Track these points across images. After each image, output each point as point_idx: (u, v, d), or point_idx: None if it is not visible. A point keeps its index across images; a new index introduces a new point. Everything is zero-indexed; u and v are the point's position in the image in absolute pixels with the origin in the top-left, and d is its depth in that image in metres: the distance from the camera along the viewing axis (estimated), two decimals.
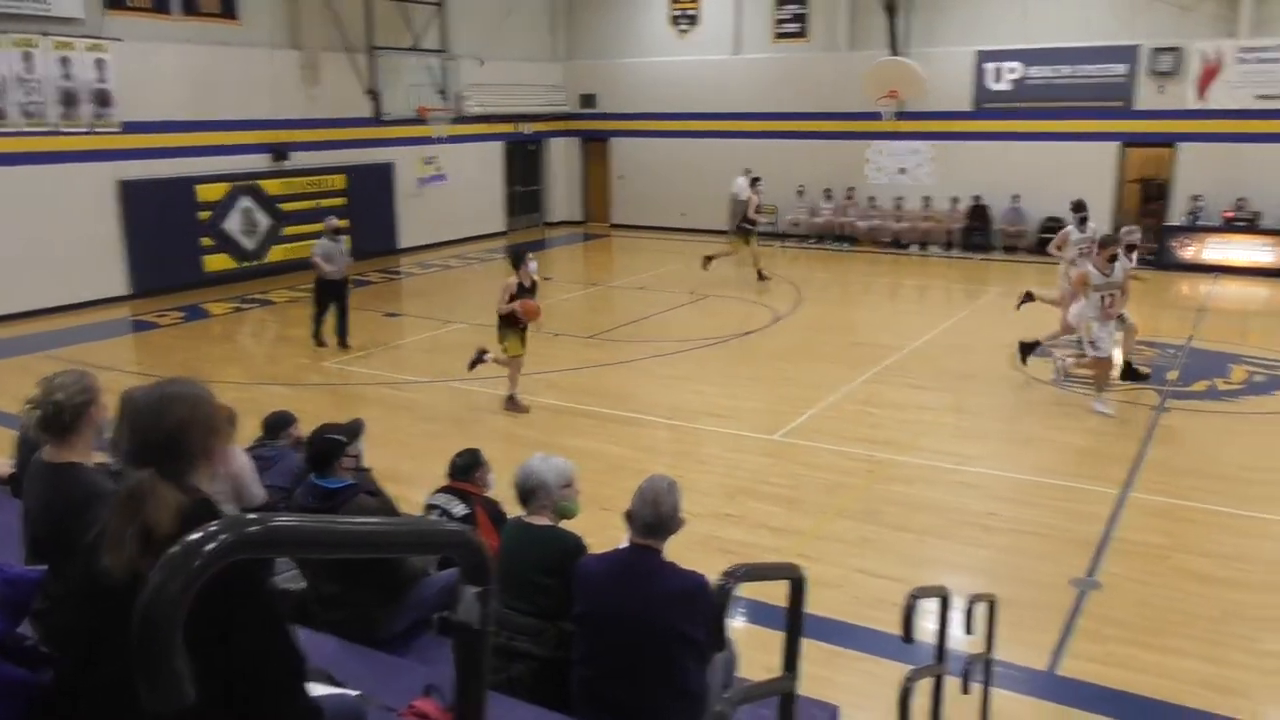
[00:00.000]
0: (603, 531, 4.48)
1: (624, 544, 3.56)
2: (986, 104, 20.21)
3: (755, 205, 16.89)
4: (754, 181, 17.26)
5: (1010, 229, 20.14)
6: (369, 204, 19.35)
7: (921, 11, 20.57)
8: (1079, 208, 12.47)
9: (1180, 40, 18.30)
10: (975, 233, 20.43)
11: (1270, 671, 5.40)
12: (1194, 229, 18.39)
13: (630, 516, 3.50)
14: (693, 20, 23.20)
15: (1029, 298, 12.20)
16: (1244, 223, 18.02)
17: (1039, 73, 19.63)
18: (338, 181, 18.72)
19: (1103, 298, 9.52)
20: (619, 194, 24.97)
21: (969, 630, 4.51)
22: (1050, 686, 5.28)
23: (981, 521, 7.35)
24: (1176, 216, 18.82)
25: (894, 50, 20.33)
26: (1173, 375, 11.16)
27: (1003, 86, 20.00)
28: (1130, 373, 10.60)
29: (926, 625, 4.04)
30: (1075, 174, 19.03)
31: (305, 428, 5.35)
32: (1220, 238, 18.10)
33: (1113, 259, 9.58)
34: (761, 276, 16.85)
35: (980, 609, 4.62)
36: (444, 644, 3.93)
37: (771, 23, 22.35)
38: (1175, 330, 13.43)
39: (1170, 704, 5.08)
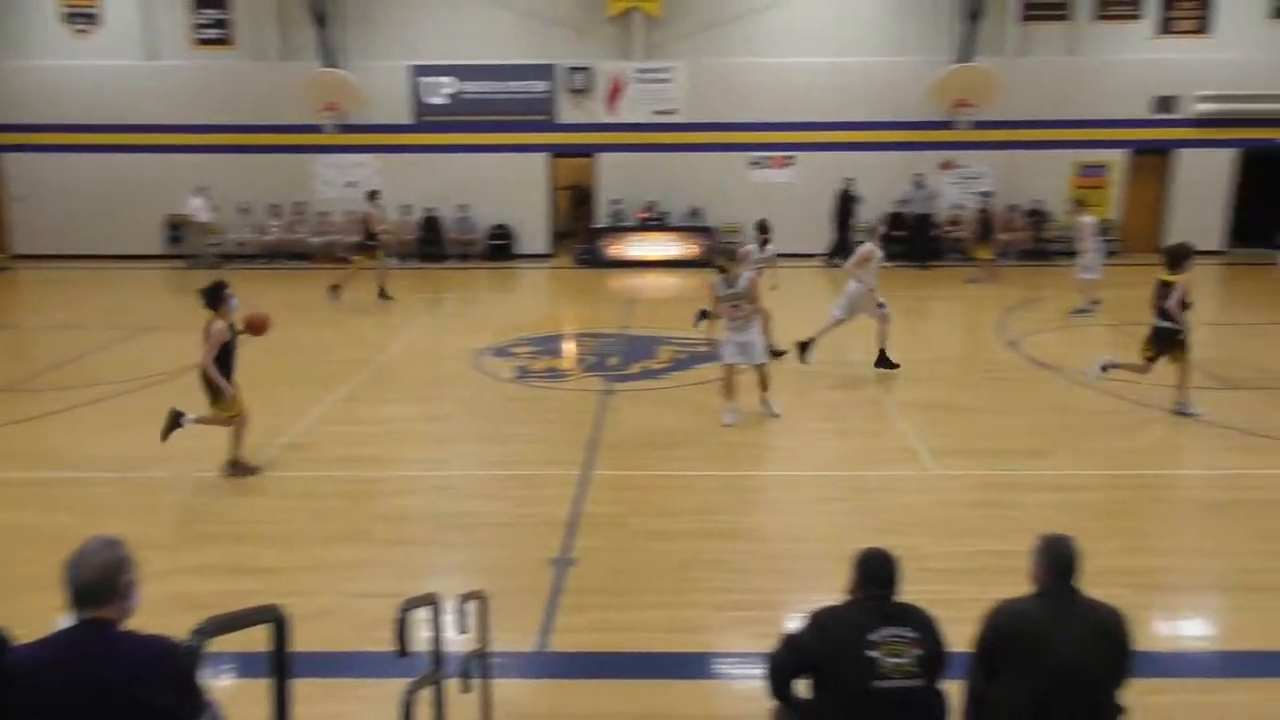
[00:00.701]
0: (51, 616, 3.82)
1: (66, 622, 3.06)
2: (426, 117, 20.84)
3: (377, 221, 16.24)
4: (372, 195, 16.55)
5: (462, 238, 21.04)
6: None
7: (354, 25, 20.58)
8: (763, 229, 12.77)
9: (589, 61, 20.46)
10: (429, 243, 21.02)
11: (720, 606, 6.24)
12: (617, 229, 20.72)
13: (70, 588, 3.02)
14: (91, 19, 20.76)
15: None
16: (656, 222, 20.72)
17: (473, 88, 20.70)
18: None
19: (732, 307, 9.60)
20: (20, 219, 21.61)
21: (463, 630, 4.60)
22: (542, 665, 5.60)
23: (461, 522, 7.56)
24: (602, 219, 21.06)
25: (328, 62, 20.11)
26: (613, 361, 12.45)
27: (439, 100, 20.77)
28: (883, 361, 11.50)
29: (422, 635, 4.04)
30: (514, 183, 20.56)
31: None
32: (638, 236, 20.61)
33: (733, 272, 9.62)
34: (384, 295, 16.31)
35: (471, 607, 4.73)
36: None
37: (188, 27, 20.82)
38: (612, 320, 15.02)
39: (644, 653, 5.66)
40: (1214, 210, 20.61)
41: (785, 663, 4.02)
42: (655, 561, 6.83)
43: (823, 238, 20.40)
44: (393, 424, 10.00)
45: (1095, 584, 4.45)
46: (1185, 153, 20.40)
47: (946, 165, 20.52)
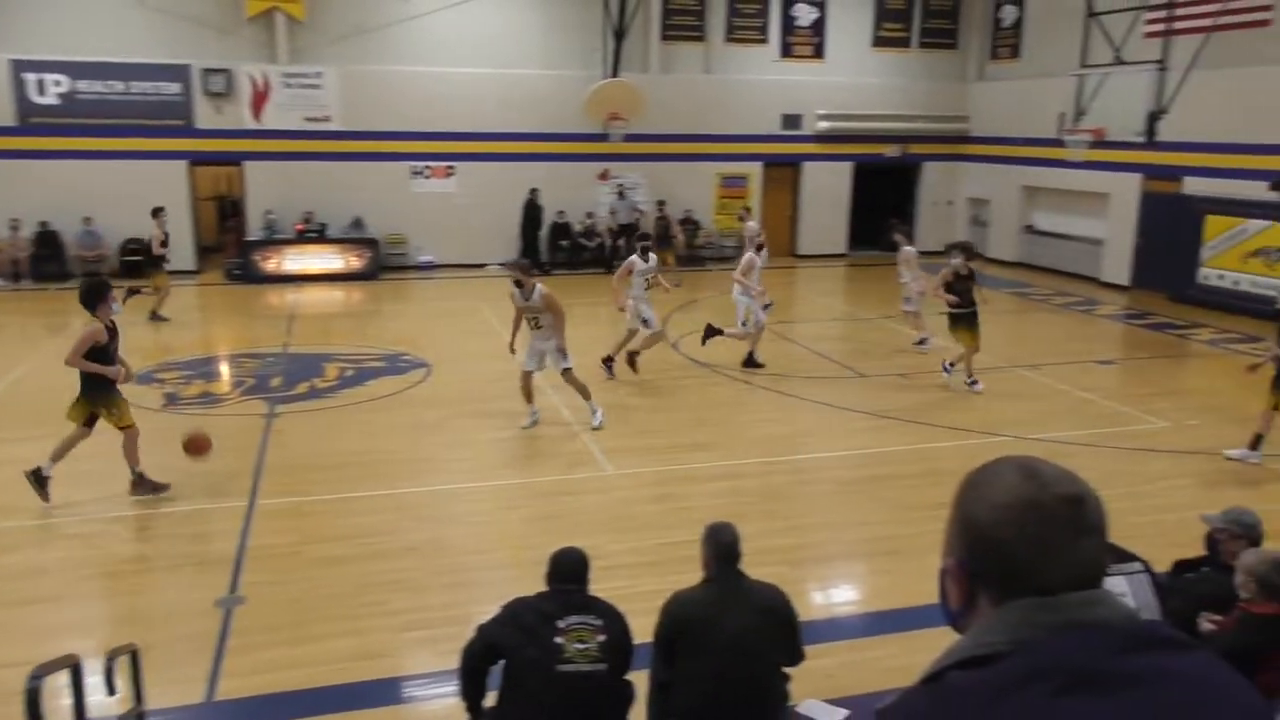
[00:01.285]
0: None
1: None
2: (32, 119, 18.48)
3: (161, 239, 15.05)
4: (156, 212, 15.15)
5: (88, 254, 18.84)
6: None
7: None
8: (644, 238, 12.33)
9: (228, 63, 19.11)
10: (46, 260, 18.66)
11: (401, 627, 6.04)
12: (272, 242, 19.52)
13: None
14: None
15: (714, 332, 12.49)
16: (314, 234, 19.74)
17: (90, 87, 18.62)
18: None
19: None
20: None
21: (112, 691, 4.09)
22: (213, 716, 5.13)
23: (108, 570, 6.78)
24: (255, 232, 19.75)
25: None
26: (276, 382, 11.71)
27: (50, 100, 18.50)
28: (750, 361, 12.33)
29: (62, 704, 3.54)
30: (148, 193, 18.56)
31: None
32: (296, 249, 19.54)
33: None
34: (157, 316, 15.10)
35: (122, 663, 4.22)
36: None
37: None
38: (271, 339, 14.13)
39: (326, 687, 5.35)
40: (838, 217, 23.02)
41: (477, 650, 4.12)
42: (331, 589, 6.49)
43: (490, 247, 20.50)
44: (13, 466, 8.74)
45: (757, 563, 4.78)
46: (810, 166, 22.62)
47: (604, 176, 21.33)
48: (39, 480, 7.74)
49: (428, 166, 20.46)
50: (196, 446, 7.89)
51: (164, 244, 15.17)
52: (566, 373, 9.96)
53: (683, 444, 9.61)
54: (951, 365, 11.68)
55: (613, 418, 10.40)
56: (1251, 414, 10.02)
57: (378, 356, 13.02)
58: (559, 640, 4.02)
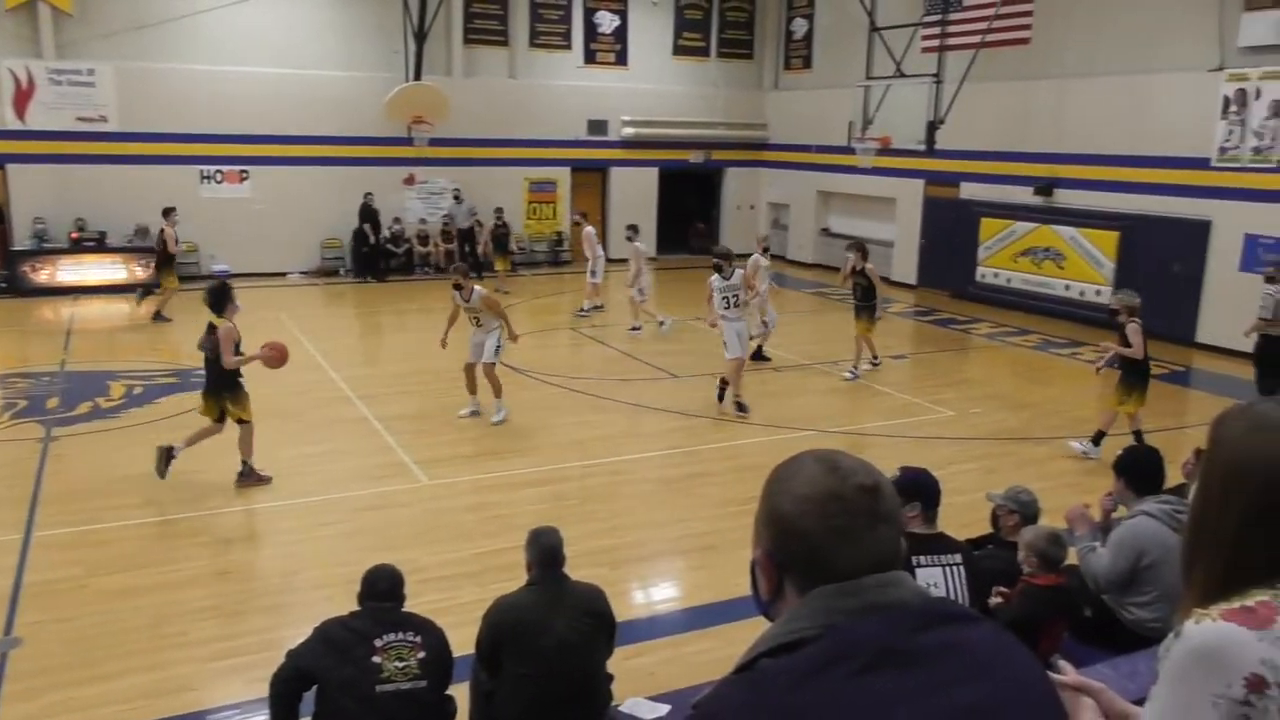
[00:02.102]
0: None
1: None
2: None
3: (174, 239, 15.59)
4: (167, 212, 15.45)
5: None
6: None
7: None
8: (717, 255, 11.29)
9: None
10: None
11: (207, 658, 5.70)
12: (43, 252, 18.00)
13: None
14: None
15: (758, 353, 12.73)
16: (92, 243, 18.32)
17: None
18: None
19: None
20: None
21: None
22: None
23: None
24: (22, 240, 18.15)
25: None
26: (53, 403, 10.82)
27: None
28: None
29: None
30: None
31: None
32: (71, 259, 18.08)
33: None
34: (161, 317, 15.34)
35: None
36: None
37: None
38: (46, 357, 13.04)
39: None
40: (646, 221, 23.37)
41: (288, 675, 3.97)
42: (125, 623, 6.05)
43: (292, 255, 19.67)
44: None
45: (579, 566, 4.81)
46: (617, 171, 22.92)
47: (409, 180, 20.88)
48: (167, 457, 8.25)
49: (219, 170, 19.41)
50: (279, 356, 8.67)
51: (176, 243, 15.73)
52: (489, 367, 10.32)
53: (499, 450, 9.53)
54: (855, 369, 12.71)
55: (426, 427, 10.21)
56: (1026, 401, 10.90)
57: (169, 372, 12.25)
58: (376, 660, 3.91)
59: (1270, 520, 1.49)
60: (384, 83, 19.64)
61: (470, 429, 10.19)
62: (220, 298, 8.24)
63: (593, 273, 16.22)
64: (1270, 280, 11.18)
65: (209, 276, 19.19)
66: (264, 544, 7.38)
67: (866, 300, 12.52)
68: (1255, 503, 1.50)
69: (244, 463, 8.50)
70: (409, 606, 4.25)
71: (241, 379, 8.44)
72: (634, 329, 14.90)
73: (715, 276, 10.86)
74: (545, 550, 4.39)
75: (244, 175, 19.56)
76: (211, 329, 8.18)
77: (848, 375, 12.62)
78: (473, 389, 10.49)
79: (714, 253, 11.28)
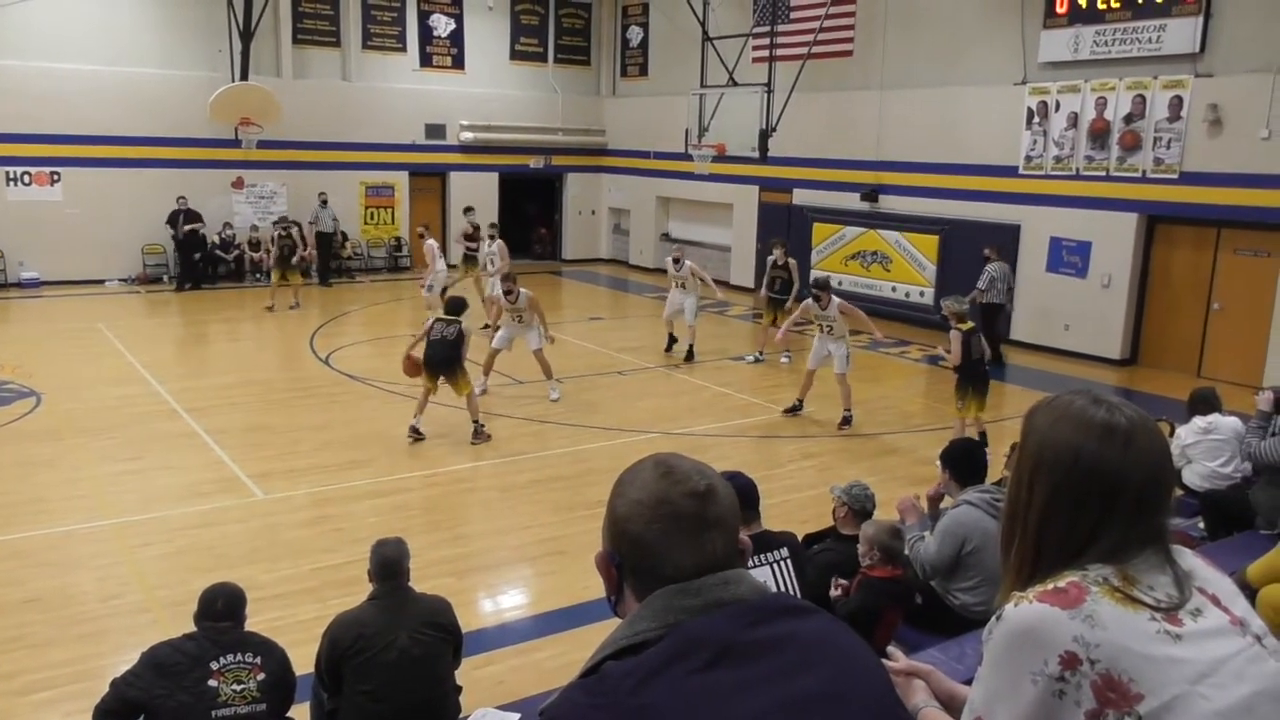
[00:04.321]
0: None
1: None
2: None
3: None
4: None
5: None
6: None
7: None
8: (814, 285, 11.02)
9: None
10: None
11: (19, 691, 5.30)
12: None
13: None
14: None
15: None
16: None
17: None
18: None
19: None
20: None
21: None
22: None
23: None
24: None
25: None
26: None
27: None
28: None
29: None
30: None
31: None
32: None
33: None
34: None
35: None
36: None
37: None
38: None
39: None
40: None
41: (111, 706, 3.75)
42: None
43: (110, 261, 18.53)
44: None
45: (424, 577, 4.72)
46: (456, 175, 22.59)
47: (238, 184, 19.99)
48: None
49: (26, 172, 18.07)
50: (411, 368, 9.81)
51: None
52: (539, 352, 11.39)
53: (337, 462, 9.23)
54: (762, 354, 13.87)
55: (260, 439, 9.79)
56: (858, 399, 11.34)
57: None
58: (213, 684, 3.74)
59: (1072, 504, 1.59)
60: (208, 82, 18.74)
61: (304, 441, 9.83)
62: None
63: (429, 287, 15.54)
64: (988, 260, 14.09)
65: (17, 285, 17.91)
66: (81, 568, 6.90)
67: (784, 293, 13.65)
68: (1057, 488, 1.60)
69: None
70: (247, 625, 4.08)
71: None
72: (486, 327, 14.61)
73: (812, 304, 10.80)
74: (385, 562, 4.30)
75: (55, 177, 18.28)
76: None
77: (749, 359, 13.87)
78: (487, 371, 11.65)
79: (816, 283, 11.21)
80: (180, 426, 10.17)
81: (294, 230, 17.33)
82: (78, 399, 10.96)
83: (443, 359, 9.64)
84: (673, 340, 14.19)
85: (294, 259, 17.11)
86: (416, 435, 9.81)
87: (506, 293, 11.54)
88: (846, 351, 10.85)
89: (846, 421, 10.82)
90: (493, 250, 15.10)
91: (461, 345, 9.73)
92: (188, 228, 18.63)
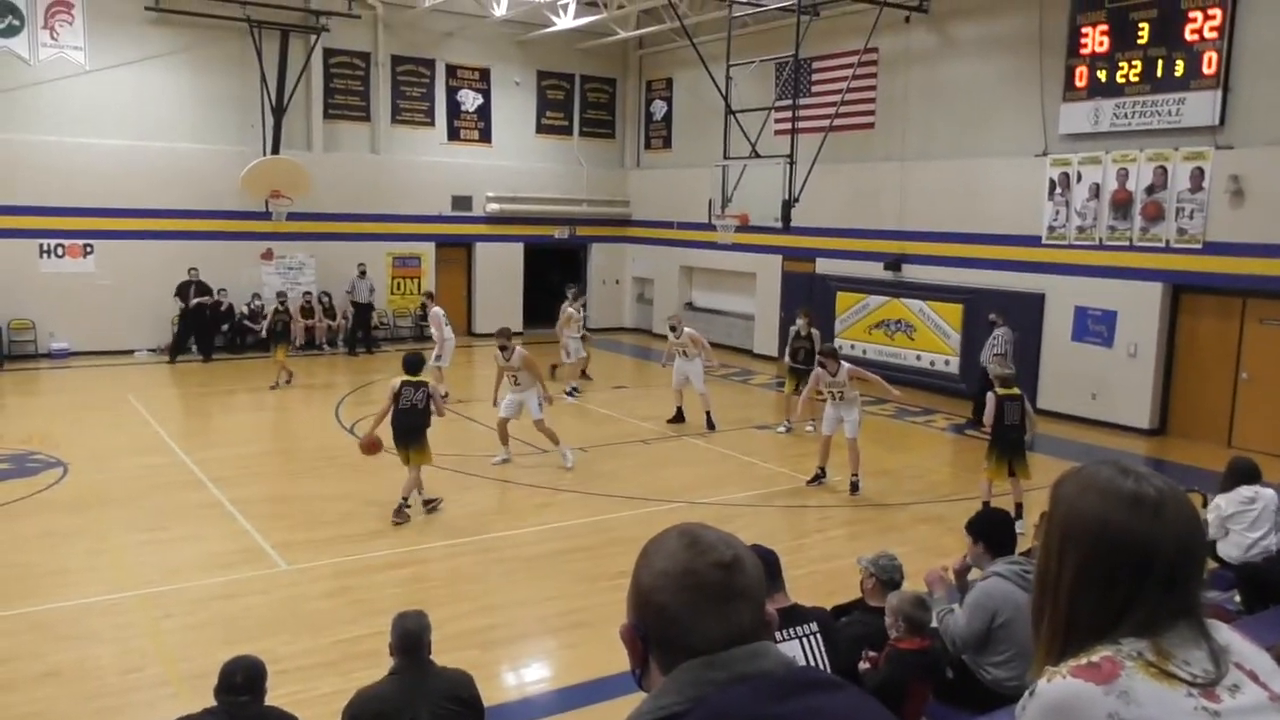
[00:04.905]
0: None
1: None
2: None
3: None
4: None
5: None
6: None
7: None
8: (822, 353, 11.23)
9: None
10: None
11: None
12: None
13: None
14: None
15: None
16: None
17: None
18: None
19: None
20: None
21: None
22: None
23: None
24: None
25: None
26: None
27: None
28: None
29: None
30: None
31: None
32: None
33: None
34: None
35: None
36: None
37: None
38: None
39: None
40: (513, 296, 23.38)
41: None
42: None
43: (139, 332, 18.81)
44: None
45: (448, 649, 4.67)
46: (482, 246, 22.89)
47: (267, 255, 20.33)
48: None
49: (60, 244, 18.47)
50: (371, 447, 9.57)
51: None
52: (539, 422, 11.36)
53: (359, 532, 9.20)
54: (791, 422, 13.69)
55: (284, 510, 9.80)
56: (885, 468, 11.24)
57: (0, 458, 11.44)
58: None
59: (1102, 576, 1.56)
60: (240, 156, 19.21)
61: (327, 511, 9.82)
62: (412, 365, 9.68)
63: (438, 356, 15.35)
64: (994, 325, 14.17)
65: (47, 355, 18.17)
66: (102, 640, 6.87)
67: (807, 364, 13.09)
68: (1086, 560, 1.58)
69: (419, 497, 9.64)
70: (268, 700, 4.04)
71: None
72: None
73: (821, 371, 10.80)
74: (406, 635, 4.25)
75: (88, 249, 18.67)
76: None
77: (781, 429, 13.81)
78: (504, 440, 11.51)
79: (823, 351, 11.17)
80: (205, 496, 10.20)
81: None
82: (103, 469, 11.04)
83: (412, 427, 9.48)
84: (680, 413, 14.09)
85: (290, 335, 17.34)
86: (402, 517, 9.42)
87: (501, 348, 11.43)
88: (858, 416, 10.81)
89: (854, 487, 10.71)
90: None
91: (429, 412, 9.58)
92: (195, 301, 18.84)
